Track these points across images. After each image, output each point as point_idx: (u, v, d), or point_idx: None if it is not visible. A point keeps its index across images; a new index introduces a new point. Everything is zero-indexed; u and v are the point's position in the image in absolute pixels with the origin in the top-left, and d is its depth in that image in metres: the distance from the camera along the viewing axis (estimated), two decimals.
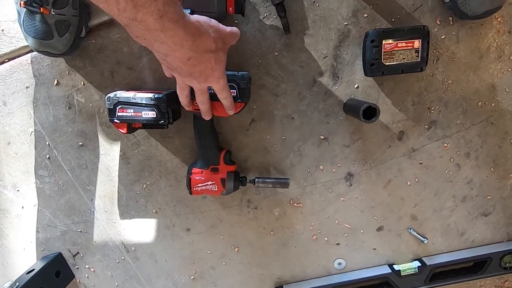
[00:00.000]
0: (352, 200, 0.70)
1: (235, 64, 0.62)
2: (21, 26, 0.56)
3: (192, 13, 0.51)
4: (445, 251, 0.73)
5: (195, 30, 0.37)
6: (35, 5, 0.53)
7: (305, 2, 0.60)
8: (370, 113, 0.55)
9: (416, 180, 0.69)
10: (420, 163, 0.68)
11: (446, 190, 0.70)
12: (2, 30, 0.62)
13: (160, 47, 0.36)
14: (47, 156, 0.69)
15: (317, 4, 0.60)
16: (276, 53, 0.62)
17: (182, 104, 0.54)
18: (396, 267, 0.72)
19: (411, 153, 0.67)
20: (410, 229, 0.72)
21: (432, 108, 0.65)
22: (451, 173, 0.69)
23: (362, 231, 0.72)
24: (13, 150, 0.68)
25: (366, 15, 0.60)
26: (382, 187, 0.70)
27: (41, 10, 0.53)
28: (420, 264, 0.72)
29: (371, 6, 0.60)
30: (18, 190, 0.71)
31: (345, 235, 0.72)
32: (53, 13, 0.54)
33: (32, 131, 0.67)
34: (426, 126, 0.66)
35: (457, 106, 0.65)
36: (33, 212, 0.72)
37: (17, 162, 0.69)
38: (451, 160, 0.68)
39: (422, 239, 0.72)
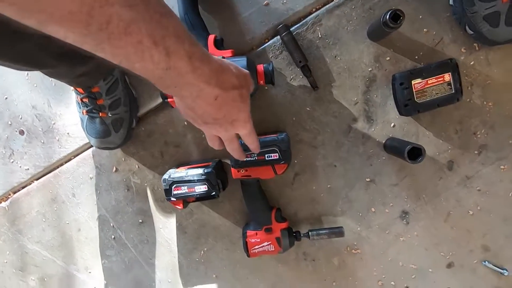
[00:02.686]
0: (412, 238, 0.67)
1: (272, 126, 0.66)
2: (84, 130, 0.65)
3: None
4: None
5: (219, 66, 0.38)
6: (94, 111, 0.62)
7: (327, 59, 0.63)
8: (415, 152, 0.54)
9: (478, 208, 0.65)
10: (479, 190, 0.65)
11: None
12: (68, 133, 0.71)
13: (190, 90, 0.36)
14: (113, 236, 0.74)
15: (339, 58, 0.63)
16: (308, 108, 0.65)
17: (216, 149, 0.50)
18: None
19: (466, 181, 0.65)
20: (485, 261, 0.66)
21: (478, 133, 0.63)
22: None
23: (430, 270, 0.68)
24: (83, 235, 0.75)
25: (388, 58, 0.62)
26: (442, 221, 0.66)
27: (100, 115, 0.62)
28: None
29: (391, 50, 0.62)
30: (90, 272, 0.77)
31: (413, 276, 0.68)
32: (110, 115, 0.62)
33: (97, 216, 0.74)
34: (476, 152, 0.64)
35: (504, 126, 0.62)
36: None
37: (87, 246, 0.75)
38: None
39: (501, 271, 0.66)
